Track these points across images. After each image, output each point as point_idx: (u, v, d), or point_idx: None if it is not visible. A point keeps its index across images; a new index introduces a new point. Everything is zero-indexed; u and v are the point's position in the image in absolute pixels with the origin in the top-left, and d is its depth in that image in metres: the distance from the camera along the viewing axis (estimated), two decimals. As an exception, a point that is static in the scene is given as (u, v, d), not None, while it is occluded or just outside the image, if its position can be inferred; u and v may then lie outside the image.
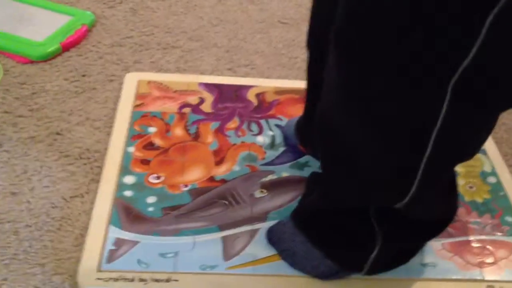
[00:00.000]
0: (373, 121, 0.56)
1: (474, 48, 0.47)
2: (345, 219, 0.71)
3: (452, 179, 0.71)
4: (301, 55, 1.13)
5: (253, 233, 0.79)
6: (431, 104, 0.52)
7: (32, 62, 1.02)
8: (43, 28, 1.08)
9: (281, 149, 0.92)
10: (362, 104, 0.56)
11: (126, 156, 0.87)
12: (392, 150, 0.58)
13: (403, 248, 0.75)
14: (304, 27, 1.19)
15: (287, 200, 0.84)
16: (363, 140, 0.59)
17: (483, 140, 0.62)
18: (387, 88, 0.53)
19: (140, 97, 0.97)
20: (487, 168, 0.91)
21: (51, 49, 1.04)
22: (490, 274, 0.77)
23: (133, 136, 0.90)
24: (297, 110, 0.95)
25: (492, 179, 0.90)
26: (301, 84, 1.02)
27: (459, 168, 0.91)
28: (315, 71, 0.76)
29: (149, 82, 1.01)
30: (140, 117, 0.94)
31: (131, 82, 1.00)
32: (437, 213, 0.71)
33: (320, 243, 0.73)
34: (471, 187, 0.88)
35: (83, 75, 1.02)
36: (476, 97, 0.52)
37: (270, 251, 0.77)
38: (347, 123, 0.59)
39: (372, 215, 0.69)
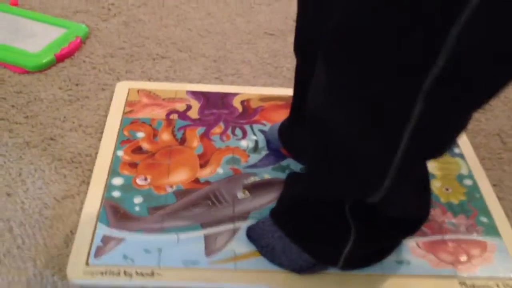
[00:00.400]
0: (353, 115, 0.59)
1: (444, 51, 0.49)
2: (321, 214, 0.75)
3: (424, 178, 0.75)
4: (287, 65, 1.18)
5: (234, 231, 0.83)
6: (407, 101, 0.55)
7: (28, 72, 1.07)
8: (39, 40, 1.13)
9: (264, 152, 0.97)
10: (343, 99, 0.59)
11: (115, 159, 0.91)
12: (369, 145, 0.61)
13: (378, 245, 0.78)
14: (290, 38, 1.24)
15: (268, 200, 0.88)
16: (345, 133, 0.62)
17: (455, 137, 0.65)
18: (365, 87, 0.57)
19: (130, 104, 1.02)
20: (464, 171, 0.96)
21: (46, 60, 1.09)
22: (463, 271, 0.81)
23: (122, 141, 0.95)
24: (281, 116, 1.00)
25: (468, 182, 0.94)
26: (285, 91, 1.08)
27: (436, 171, 0.95)
28: (302, 75, 0.80)
29: (139, 91, 1.05)
30: (129, 123, 0.98)
31: (122, 90, 1.05)
32: (409, 211, 0.75)
33: (297, 238, 0.77)
34: (447, 189, 0.92)
35: (77, 84, 1.07)
36: (451, 96, 0.55)
37: (250, 248, 0.81)
38: (332, 118, 0.62)
39: (347, 210, 0.72)
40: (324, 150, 0.67)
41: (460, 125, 0.62)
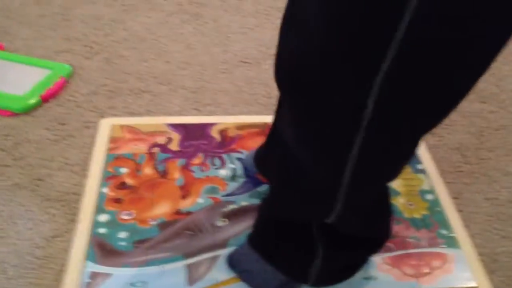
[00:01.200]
0: (308, 142, 0.65)
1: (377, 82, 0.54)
2: (291, 234, 0.80)
3: (384, 199, 0.81)
4: (262, 92, 1.24)
5: (215, 259, 0.89)
6: (348, 132, 0.60)
7: (15, 114, 1.13)
8: (24, 82, 1.19)
9: (242, 180, 1.02)
10: (299, 128, 0.65)
11: (101, 196, 0.97)
12: (319, 171, 0.67)
13: (344, 262, 0.84)
14: (264, 65, 1.31)
15: (246, 226, 0.94)
16: (302, 158, 0.68)
17: (402, 164, 0.70)
18: (312, 119, 0.62)
19: (114, 140, 1.08)
20: (426, 187, 1.02)
21: (31, 101, 1.15)
22: (425, 282, 0.87)
23: (107, 178, 1.00)
24: (257, 143, 1.06)
25: (430, 196, 1.00)
26: (261, 118, 1.14)
27: (400, 188, 1.01)
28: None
29: (121, 126, 1.11)
30: (113, 159, 1.04)
31: (105, 127, 1.11)
32: (370, 231, 0.81)
33: (270, 258, 0.83)
34: (410, 205, 0.98)
35: (62, 124, 1.13)
36: (388, 130, 0.60)
37: (230, 275, 0.87)
38: (292, 144, 0.68)
39: (314, 230, 0.78)
40: (286, 174, 0.73)
41: (404, 154, 0.67)
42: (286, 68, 0.63)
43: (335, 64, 0.55)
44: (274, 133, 0.91)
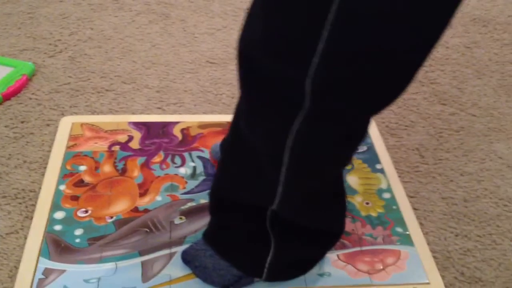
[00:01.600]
0: (254, 120, 0.68)
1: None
2: (245, 228, 0.81)
3: (334, 192, 0.82)
4: (227, 92, 1.24)
5: (170, 256, 0.89)
6: (288, 112, 0.62)
7: (-25, 112, 1.12)
8: (-14, 80, 1.18)
9: (201, 178, 1.03)
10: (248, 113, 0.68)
11: (58, 193, 0.97)
12: (264, 150, 0.68)
13: (297, 256, 0.85)
14: (231, 66, 1.31)
15: (204, 224, 0.94)
16: (250, 138, 0.69)
17: (344, 151, 0.71)
18: (257, 97, 0.65)
19: (73, 138, 1.08)
20: (384, 186, 1.03)
21: (-8, 99, 1.14)
22: (378, 279, 0.88)
23: (64, 175, 1.00)
24: (219, 142, 1.06)
25: (387, 195, 1.01)
26: (224, 118, 1.14)
27: (357, 187, 1.02)
28: None
29: (82, 124, 1.11)
30: (72, 157, 1.04)
31: (66, 125, 1.11)
32: (319, 221, 0.81)
33: (224, 253, 0.83)
34: (367, 203, 1.00)
35: (22, 122, 1.12)
36: (329, 111, 0.62)
37: (185, 271, 0.87)
38: (244, 125, 0.70)
39: (268, 223, 0.78)
40: (238, 153, 0.74)
41: (344, 139, 0.67)
42: (241, 44, 0.64)
43: (276, 43, 0.57)
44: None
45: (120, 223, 0.93)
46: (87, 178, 1.00)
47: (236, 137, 0.74)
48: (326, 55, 0.54)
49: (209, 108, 1.21)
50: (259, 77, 0.61)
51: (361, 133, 0.68)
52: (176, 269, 0.87)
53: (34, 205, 0.95)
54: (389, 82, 0.59)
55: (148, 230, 0.92)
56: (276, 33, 0.56)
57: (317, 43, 0.54)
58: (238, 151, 0.74)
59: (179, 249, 0.90)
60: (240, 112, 0.71)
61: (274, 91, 0.61)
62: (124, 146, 1.08)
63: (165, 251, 0.90)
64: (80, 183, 0.99)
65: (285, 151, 0.65)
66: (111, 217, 0.94)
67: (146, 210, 0.96)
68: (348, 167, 1.06)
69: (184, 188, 1.01)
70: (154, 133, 1.11)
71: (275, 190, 0.70)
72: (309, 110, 0.60)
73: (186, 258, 0.88)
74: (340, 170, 0.78)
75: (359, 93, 0.59)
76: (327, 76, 0.56)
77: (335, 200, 0.82)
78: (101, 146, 1.07)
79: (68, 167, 1.02)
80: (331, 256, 0.90)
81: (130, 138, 1.09)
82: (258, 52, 0.59)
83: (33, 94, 1.19)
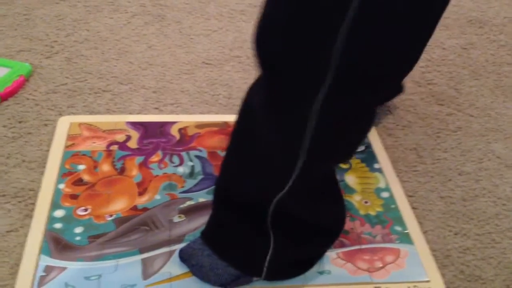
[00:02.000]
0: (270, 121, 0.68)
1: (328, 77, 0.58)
2: (243, 226, 0.81)
3: (335, 192, 0.83)
4: (223, 92, 1.25)
5: (170, 254, 0.89)
6: (303, 111, 0.63)
7: (-28, 112, 1.12)
8: (-18, 80, 1.18)
9: (200, 177, 1.03)
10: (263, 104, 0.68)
11: (57, 192, 0.96)
12: (281, 137, 0.69)
13: (299, 256, 0.85)
14: (227, 67, 1.32)
15: (203, 222, 0.94)
16: (266, 125, 0.69)
17: (356, 141, 0.72)
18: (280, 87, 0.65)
19: (71, 138, 1.08)
20: (382, 185, 1.04)
21: (-11, 99, 1.13)
22: (378, 277, 0.88)
23: (63, 174, 1.00)
24: (216, 141, 1.07)
25: (385, 194, 1.02)
26: (221, 117, 1.15)
27: (356, 186, 1.03)
28: None
29: (80, 124, 1.11)
30: (70, 156, 1.04)
31: (64, 125, 1.11)
32: (322, 217, 0.82)
33: (222, 252, 0.83)
34: (366, 202, 1.00)
35: (20, 122, 1.12)
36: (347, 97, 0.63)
37: (186, 269, 0.87)
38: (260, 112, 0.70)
39: (268, 221, 0.79)
40: (250, 139, 0.74)
41: (359, 127, 0.70)
42: (258, 37, 0.65)
43: (298, 30, 0.58)
44: None
45: (119, 221, 0.93)
46: (86, 177, 1.00)
47: (247, 125, 0.74)
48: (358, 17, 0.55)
49: (206, 109, 1.21)
50: (281, 69, 0.62)
51: (372, 117, 0.70)
52: (176, 266, 0.87)
53: (33, 204, 0.95)
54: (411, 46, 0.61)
55: (147, 228, 0.93)
56: (299, 22, 0.58)
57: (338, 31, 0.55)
58: (249, 139, 0.74)
59: (179, 247, 0.90)
60: (255, 101, 0.71)
61: (295, 80, 0.62)
62: (122, 145, 1.08)
63: (165, 249, 0.90)
64: (79, 182, 0.99)
65: (306, 134, 0.65)
66: (111, 216, 0.94)
67: (145, 209, 0.96)
68: (346, 166, 1.07)
69: (183, 187, 1.01)
70: (151, 132, 1.11)
71: (287, 177, 0.70)
72: (330, 86, 0.60)
73: (183, 257, 0.88)
74: (350, 156, 0.78)
75: (384, 61, 0.60)
76: (359, 44, 0.57)
77: (336, 197, 0.83)
78: (99, 145, 1.07)
79: (67, 166, 1.02)
80: (331, 254, 0.91)
81: (128, 138, 1.10)
82: (277, 44, 0.60)
83: (30, 94, 1.19)
